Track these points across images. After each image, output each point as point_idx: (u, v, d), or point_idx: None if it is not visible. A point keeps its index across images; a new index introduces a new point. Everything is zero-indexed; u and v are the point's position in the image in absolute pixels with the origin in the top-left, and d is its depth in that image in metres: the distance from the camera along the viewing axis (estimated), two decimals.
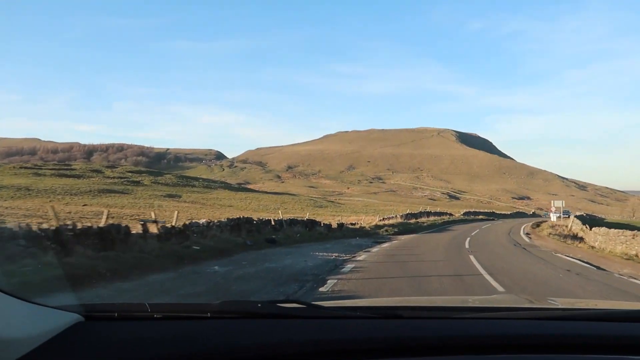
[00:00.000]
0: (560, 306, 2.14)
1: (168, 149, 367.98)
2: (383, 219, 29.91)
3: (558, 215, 58.56)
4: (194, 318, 1.42)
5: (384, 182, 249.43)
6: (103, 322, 1.33)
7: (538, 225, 36.21)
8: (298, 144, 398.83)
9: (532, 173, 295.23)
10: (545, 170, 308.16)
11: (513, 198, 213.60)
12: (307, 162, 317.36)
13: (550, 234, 24.82)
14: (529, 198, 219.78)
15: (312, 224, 21.09)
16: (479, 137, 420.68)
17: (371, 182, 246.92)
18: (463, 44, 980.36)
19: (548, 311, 1.83)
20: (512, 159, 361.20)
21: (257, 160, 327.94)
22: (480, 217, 47.53)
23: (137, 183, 75.83)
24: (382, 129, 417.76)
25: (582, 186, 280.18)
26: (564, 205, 41.80)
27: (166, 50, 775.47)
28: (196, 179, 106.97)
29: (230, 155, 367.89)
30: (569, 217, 55.92)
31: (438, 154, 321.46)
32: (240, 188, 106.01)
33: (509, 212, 63.71)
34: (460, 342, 1.31)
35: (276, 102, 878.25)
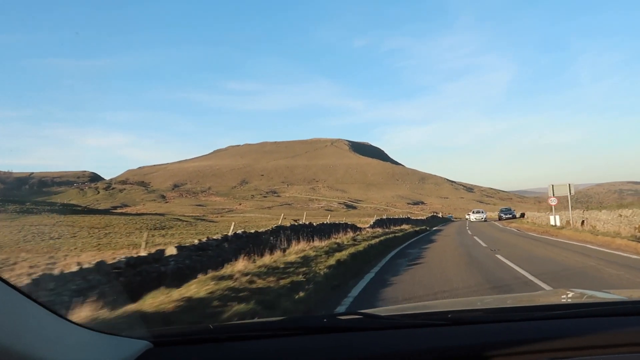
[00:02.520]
0: (625, 299, 2.00)
1: (32, 173, 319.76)
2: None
3: (507, 215, 44.14)
4: (258, 337, 1.42)
5: (279, 196, 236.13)
6: (172, 347, 1.35)
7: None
8: (186, 160, 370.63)
9: (424, 178, 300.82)
10: (435, 175, 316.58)
11: (408, 204, 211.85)
12: (196, 179, 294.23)
13: None
14: (423, 203, 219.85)
15: None
16: (371, 145, 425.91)
17: (265, 197, 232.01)
18: (349, 60, 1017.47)
19: (616, 306, 1.72)
20: (404, 165, 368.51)
21: (139, 180, 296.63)
22: (405, 227, 29.98)
23: None
24: (275, 142, 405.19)
25: (469, 188, 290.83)
26: (572, 191, 26.28)
27: (40, 68, 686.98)
28: (35, 202, 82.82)
29: (109, 176, 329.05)
30: (512, 216, 43.35)
31: (333, 163, 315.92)
32: (84, 210, 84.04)
33: (424, 217, 52.13)
34: (533, 346, 1.24)
35: (166, 121, 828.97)
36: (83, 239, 25.53)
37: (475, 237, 20.41)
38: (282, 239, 12.47)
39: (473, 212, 48.13)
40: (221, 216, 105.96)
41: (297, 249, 11.29)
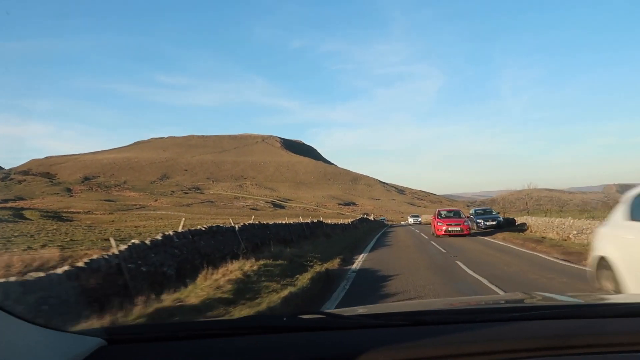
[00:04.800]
0: (582, 302, 2.03)
1: None
2: None
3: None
4: (217, 335, 1.39)
5: (202, 193, 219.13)
6: (126, 345, 1.31)
7: None
8: (101, 151, 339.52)
9: (356, 179, 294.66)
10: (367, 176, 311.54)
11: (339, 204, 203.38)
12: (111, 172, 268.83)
13: None
14: (354, 204, 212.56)
15: None
16: (303, 144, 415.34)
17: (187, 193, 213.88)
18: (286, 60, 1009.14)
19: (571, 309, 1.76)
20: (336, 165, 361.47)
21: (44, 171, 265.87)
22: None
23: None
24: (203, 136, 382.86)
25: (400, 190, 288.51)
26: None
27: None
28: None
29: (10, 166, 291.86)
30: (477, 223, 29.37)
31: (263, 160, 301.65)
32: None
33: (350, 222, 37.37)
34: (490, 347, 1.24)
35: (85, 111, 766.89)
36: None
37: None
38: None
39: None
40: (109, 214, 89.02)
41: None
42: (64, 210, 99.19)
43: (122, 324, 2.68)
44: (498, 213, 30.59)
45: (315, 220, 24.17)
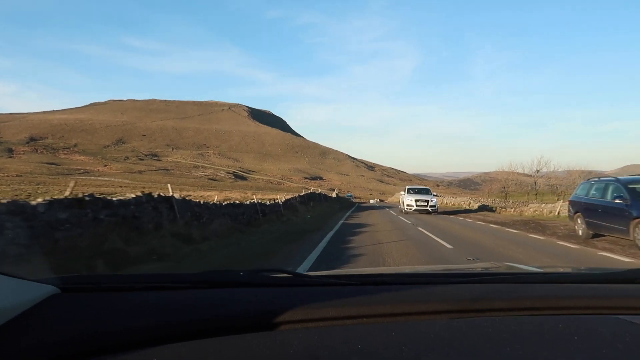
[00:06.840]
0: (540, 270, 2.09)
1: None
2: None
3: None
4: (176, 288, 1.35)
5: (159, 160, 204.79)
6: (80, 294, 1.26)
7: None
8: (53, 111, 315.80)
9: (325, 152, 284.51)
10: (337, 150, 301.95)
11: (305, 178, 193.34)
12: (61, 133, 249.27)
13: None
14: (321, 178, 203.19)
15: None
16: (272, 114, 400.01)
17: (142, 160, 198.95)
18: (262, 31, 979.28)
19: (530, 275, 1.82)
20: (305, 138, 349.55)
21: None
22: None
23: None
24: (165, 100, 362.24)
25: (370, 166, 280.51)
26: None
27: None
28: None
29: None
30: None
31: (228, 129, 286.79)
32: None
33: (281, 199, 22.49)
34: (440, 306, 1.26)
35: (43, 70, 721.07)
36: None
37: None
38: None
39: None
40: (17, 176, 75.46)
41: None
42: None
43: (79, 274, 2.73)
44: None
45: (157, 195, 10.21)
